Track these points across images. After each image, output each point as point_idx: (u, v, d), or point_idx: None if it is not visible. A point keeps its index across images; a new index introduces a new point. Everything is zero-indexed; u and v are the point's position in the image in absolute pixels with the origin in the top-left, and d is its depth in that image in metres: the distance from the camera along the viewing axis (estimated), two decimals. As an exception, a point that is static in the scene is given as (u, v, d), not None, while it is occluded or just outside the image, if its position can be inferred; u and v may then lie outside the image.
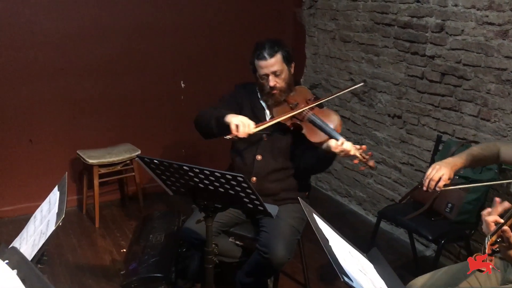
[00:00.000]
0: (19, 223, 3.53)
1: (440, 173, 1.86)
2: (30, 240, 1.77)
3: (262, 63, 2.35)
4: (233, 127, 2.20)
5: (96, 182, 3.50)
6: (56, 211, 1.72)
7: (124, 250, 3.23)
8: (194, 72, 4.06)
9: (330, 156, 2.26)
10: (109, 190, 3.95)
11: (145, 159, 1.95)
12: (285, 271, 2.93)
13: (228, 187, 1.84)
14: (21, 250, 1.79)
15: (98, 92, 3.76)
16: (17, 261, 1.02)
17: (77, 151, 3.58)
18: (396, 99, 3.34)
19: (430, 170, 1.90)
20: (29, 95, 3.54)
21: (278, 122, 2.35)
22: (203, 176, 1.85)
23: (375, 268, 1.64)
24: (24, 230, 1.95)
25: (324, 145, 2.25)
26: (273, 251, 2.23)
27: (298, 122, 2.36)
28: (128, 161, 3.63)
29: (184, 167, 1.85)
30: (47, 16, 3.47)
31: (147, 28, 3.80)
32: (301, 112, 2.35)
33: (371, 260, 1.69)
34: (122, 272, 2.86)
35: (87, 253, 3.20)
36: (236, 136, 2.20)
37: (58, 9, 3.49)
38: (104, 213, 3.74)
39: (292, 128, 2.38)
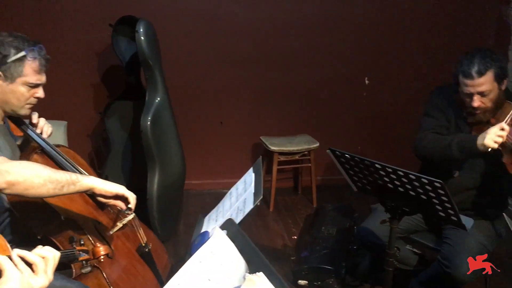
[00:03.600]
0: (203, 197, 3.92)
1: None
2: (227, 214, 1.93)
3: (468, 81, 2.08)
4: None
5: (275, 168, 3.67)
6: (253, 191, 1.84)
7: (295, 237, 3.34)
8: (379, 70, 3.97)
9: None
10: (285, 178, 4.11)
11: (336, 152, 1.96)
12: (463, 289, 2.71)
13: (421, 191, 1.76)
14: (218, 223, 1.97)
15: (284, 83, 3.92)
16: (233, 233, 1.12)
17: (260, 137, 3.79)
18: None
19: None
20: (222, 81, 3.85)
21: None
22: (394, 177, 1.80)
23: None
24: (220, 204, 2.14)
25: None
26: (456, 267, 2.08)
27: (499, 147, 2.01)
28: (306, 152, 3.72)
29: (376, 165, 1.82)
30: (245, 9, 3.72)
31: (335, 22, 3.83)
32: None
33: None
34: (292, 258, 2.97)
35: (261, 234, 3.38)
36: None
37: (254, 3, 3.72)
38: (278, 198, 3.90)
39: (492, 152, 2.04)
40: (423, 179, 1.70)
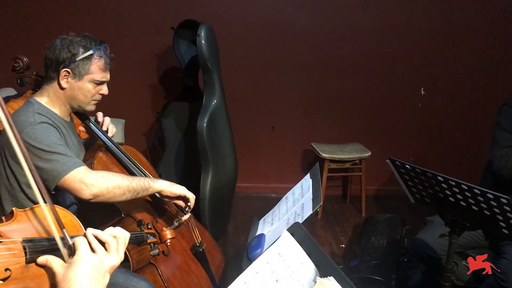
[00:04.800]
0: (252, 200, 3.96)
1: None
2: (283, 218, 1.95)
3: None
4: None
5: (325, 175, 3.66)
6: (311, 197, 1.85)
7: (343, 246, 3.32)
8: (437, 81, 3.89)
9: None
10: (333, 185, 4.09)
11: (396, 162, 1.95)
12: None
13: (485, 206, 1.71)
14: (274, 226, 1.99)
15: (337, 90, 3.91)
16: (301, 237, 1.13)
17: (312, 144, 3.79)
18: None
19: None
20: (276, 86, 3.89)
21: None
22: (457, 190, 1.76)
23: None
24: (276, 208, 2.16)
25: None
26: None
27: None
28: (357, 161, 3.69)
29: (439, 177, 1.79)
30: (303, 17, 3.74)
31: (392, 31, 3.79)
32: None
33: None
34: (340, 266, 2.95)
35: (309, 240, 3.38)
36: None
37: (312, 11, 3.74)
38: (326, 206, 3.89)
39: None
40: (488, 194, 1.65)
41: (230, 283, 2.18)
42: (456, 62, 3.85)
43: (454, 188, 1.77)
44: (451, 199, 1.82)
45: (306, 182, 2.04)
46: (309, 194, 1.89)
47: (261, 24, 3.73)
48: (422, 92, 3.92)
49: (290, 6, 3.72)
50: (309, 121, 3.99)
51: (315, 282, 0.98)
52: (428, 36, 3.79)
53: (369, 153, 3.67)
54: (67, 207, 1.99)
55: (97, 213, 1.91)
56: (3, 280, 0.93)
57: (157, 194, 1.93)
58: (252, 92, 3.87)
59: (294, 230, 1.18)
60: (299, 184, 2.11)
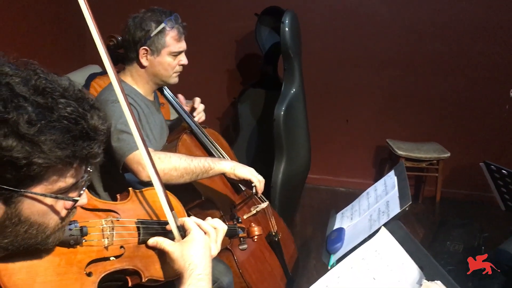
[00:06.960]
0: (319, 192, 3.93)
1: None
2: (365, 214, 1.89)
3: None
4: None
5: (399, 173, 3.55)
6: (398, 195, 1.78)
7: (414, 247, 3.21)
8: (528, 82, 3.65)
9: None
10: (407, 185, 3.96)
11: (492, 166, 1.84)
12: None
13: None
14: (354, 221, 1.95)
15: (419, 87, 3.77)
16: (401, 236, 1.09)
17: (387, 140, 3.68)
18: None
19: None
20: (355, 79, 3.80)
21: None
22: (560, 201, 1.64)
23: None
24: (355, 203, 2.10)
25: None
26: None
27: None
28: (434, 161, 3.55)
29: (539, 186, 1.68)
30: (390, 9, 3.61)
31: (481, 27, 3.58)
32: None
33: None
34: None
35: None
36: None
37: (400, 3, 3.60)
38: (396, 204, 3.77)
39: None
40: None
41: (302, 273, 2.17)
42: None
43: (556, 199, 1.65)
44: (550, 210, 1.70)
45: (390, 179, 1.97)
46: (394, 192, 1.83)
47: (345, 15, 3.64)
48: (511, 94, 3.69)
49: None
50: (385, 116, 3.87)
51: (420, 285, 0.94)
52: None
53: (448, 154, 3.52)
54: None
55: (177, 195, 1.95)
56: (117, 257, 0.96)
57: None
58: (330, 83, 3.80)
59: (393, 229, 1.14)
60: (382, 181, 2.04)
